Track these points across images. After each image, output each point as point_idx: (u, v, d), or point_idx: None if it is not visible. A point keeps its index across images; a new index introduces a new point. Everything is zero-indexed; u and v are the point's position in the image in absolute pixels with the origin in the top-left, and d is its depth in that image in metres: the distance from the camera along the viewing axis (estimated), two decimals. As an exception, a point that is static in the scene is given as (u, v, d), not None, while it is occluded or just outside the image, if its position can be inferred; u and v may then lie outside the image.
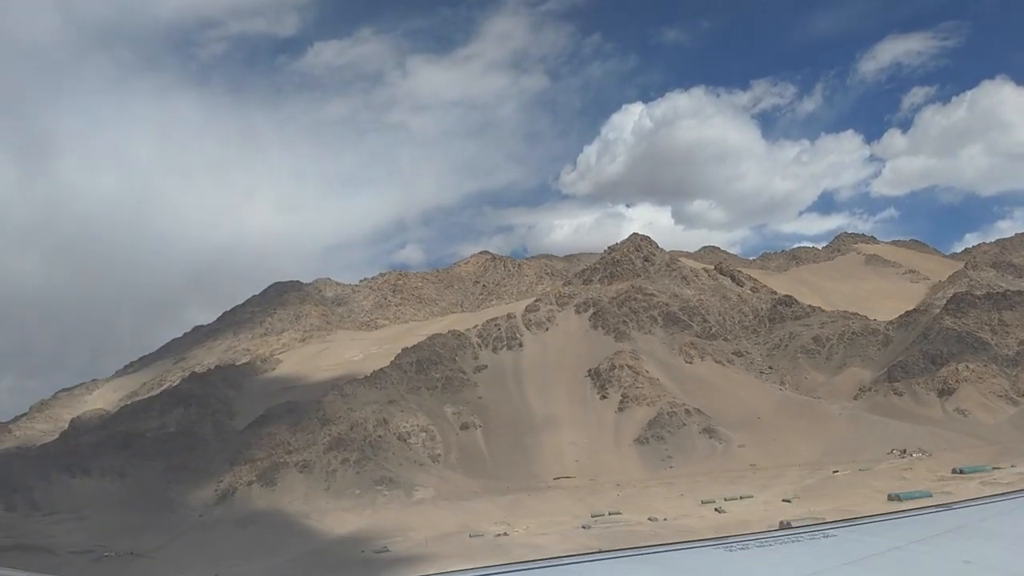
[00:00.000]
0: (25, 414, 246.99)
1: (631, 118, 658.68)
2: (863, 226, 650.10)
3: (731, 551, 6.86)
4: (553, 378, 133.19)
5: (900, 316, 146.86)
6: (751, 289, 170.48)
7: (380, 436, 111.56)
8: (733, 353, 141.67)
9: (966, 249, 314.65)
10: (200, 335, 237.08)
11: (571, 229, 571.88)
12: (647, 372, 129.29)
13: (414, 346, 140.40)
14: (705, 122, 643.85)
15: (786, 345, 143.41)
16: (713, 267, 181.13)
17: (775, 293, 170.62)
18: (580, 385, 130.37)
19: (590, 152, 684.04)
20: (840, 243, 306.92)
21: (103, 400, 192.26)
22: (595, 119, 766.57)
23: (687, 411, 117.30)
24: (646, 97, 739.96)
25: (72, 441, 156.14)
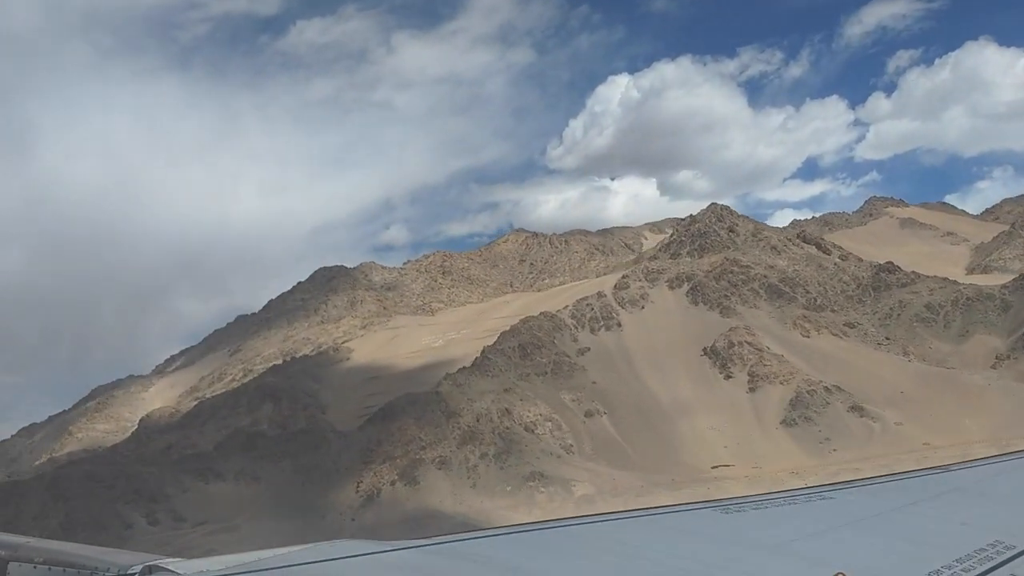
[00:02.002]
0: (66, 412, 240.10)
1: (618, 90, 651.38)
2: (846, 191, 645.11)
3: (727, 513, 6.67)
4: (665, 359, 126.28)
5: (1014, 280, 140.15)
6: (840, 257, 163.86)
7: (507, 427, 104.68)
8: (845, 325, 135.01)
9: (986, 209, 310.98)
10: (247, 325, 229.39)
11: (557, 204, 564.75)
12: (768, 348, 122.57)
13: (512, 330, 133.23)
14: (692, 91, 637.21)
15: (898, 314, 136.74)
16: (796, 236, 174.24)
17: (861, 260, 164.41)
18: (697, 365, 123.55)
19: (576, 126, 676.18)
20: (871, 207, 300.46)
21: (162, 397, 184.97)
22: (583, 92, 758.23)
23: (826, 388, 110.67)
24: (633, 68, 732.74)
25: (145, 441, 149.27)
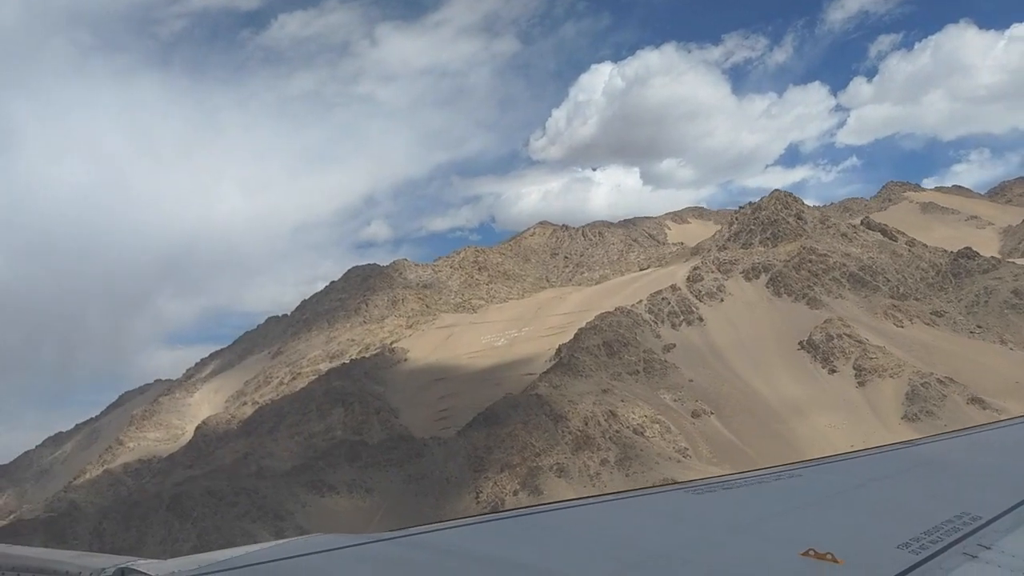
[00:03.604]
0: (95, 420, 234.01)
1: (601, 78, 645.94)
2: (826, 177, 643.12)
3: (698, 494, 6.67)
4: (759, 354, 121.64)
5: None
6: (907, 244, 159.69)
7: (616, 431, 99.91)
8: (932, 314, 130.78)
9: (991, 191, 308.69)
10: (280, 326, 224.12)
11: (539, 196, 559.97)
12: (868, 340, 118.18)
13: (592, 327, 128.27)
14: (677, 79, 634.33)
15: (985, 301, 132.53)
16: (859, 222, 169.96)
17: (926, 246, 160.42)
18: (795, 359, 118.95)
19: (559, 116, 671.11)
20: (889, 192, 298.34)
21: (208, 403, 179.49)
22: (568, 82, 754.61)
23: (939, 381, 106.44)
24: (618, 56, 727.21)
25: (206, 449, 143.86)
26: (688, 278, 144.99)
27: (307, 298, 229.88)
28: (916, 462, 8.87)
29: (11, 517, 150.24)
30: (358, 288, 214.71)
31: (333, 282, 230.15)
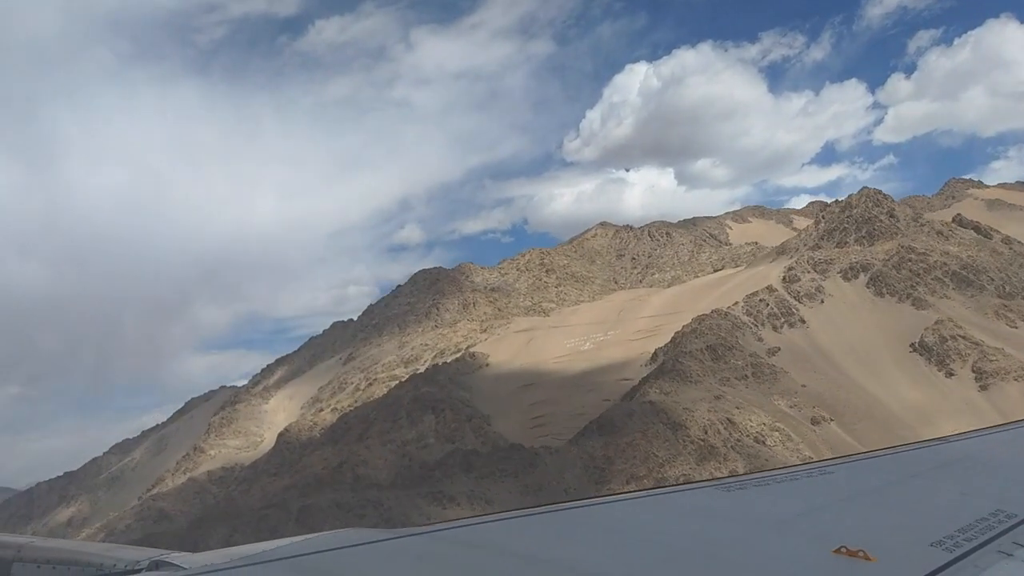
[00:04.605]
0: (161, 426, 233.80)
1: (636, 78, 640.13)
2: (862, 175, 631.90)
3: (729, 491, 6.61)
4: (870, 357, 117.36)
5: None
6: (1003, 241, 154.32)
7: (737, 440, 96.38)
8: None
9: None
10: (346, 332, 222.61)
11: (572, 198, 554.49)
12: (983, 341, 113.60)
13: (692, 331, 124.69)
14: (713, 78, 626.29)
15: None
16: (951, 219, 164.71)
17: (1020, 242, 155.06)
18: (909, 362, 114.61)
19: (593, 117, 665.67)
20: (952, 190, 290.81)
21: (283, 410, 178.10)
22: (602, 82, 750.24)
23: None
24: (654, 56, 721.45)
25: (287, 456, 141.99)
26: (784, 278, 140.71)
27: (374, 302, 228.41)
28: (950, 459, 8.69)
29: (96, 526, 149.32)
30: (426, 292, 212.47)
31: (400, 286, 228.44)
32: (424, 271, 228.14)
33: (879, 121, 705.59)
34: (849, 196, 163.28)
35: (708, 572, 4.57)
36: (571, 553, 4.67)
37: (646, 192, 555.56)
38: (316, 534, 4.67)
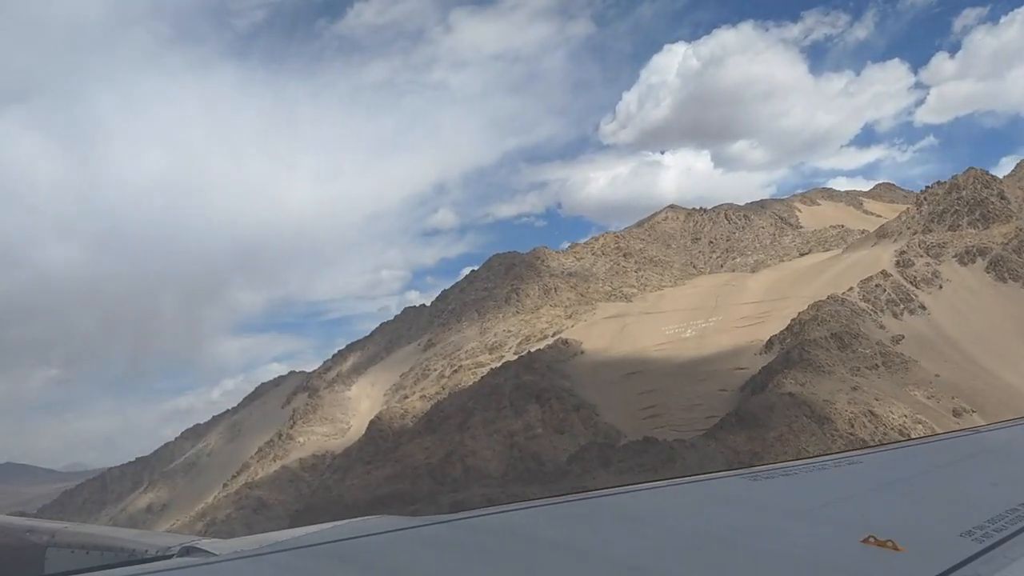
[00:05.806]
0: (232, 411, 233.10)
1: (674, 59, 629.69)
2: (901, 157, 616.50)
3: (756, 480, 6.48)
4: (1003, 345, 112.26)
5: None
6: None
7: (884, 434, 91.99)
8: None
9: None
10: (421, 317, 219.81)
11: (606, 181, 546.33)
12: None
13: (813, 318, 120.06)
14: (753, 58, 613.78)
15: None
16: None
17: None
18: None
19: (630, 99, 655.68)
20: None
21: (367, 396, 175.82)
22: (640, 63, 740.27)
23: None
24: (694, 36, 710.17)
25: (380, 444, 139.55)
26: (897, 263, 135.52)
27: (448, 287, 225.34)
28: (982, 449, 8.26)
29: (191, 514, 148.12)
30: (503, 277, 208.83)
31: (474, 271, 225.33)
32: (499, 255, 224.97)
33: (920, 102, 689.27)
34: (955, 177, 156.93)
35: (735, 560, 4.43)
36: (597, 541, 4.62)
37: (681, 175, 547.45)
38: (346, 521, 4.62)
